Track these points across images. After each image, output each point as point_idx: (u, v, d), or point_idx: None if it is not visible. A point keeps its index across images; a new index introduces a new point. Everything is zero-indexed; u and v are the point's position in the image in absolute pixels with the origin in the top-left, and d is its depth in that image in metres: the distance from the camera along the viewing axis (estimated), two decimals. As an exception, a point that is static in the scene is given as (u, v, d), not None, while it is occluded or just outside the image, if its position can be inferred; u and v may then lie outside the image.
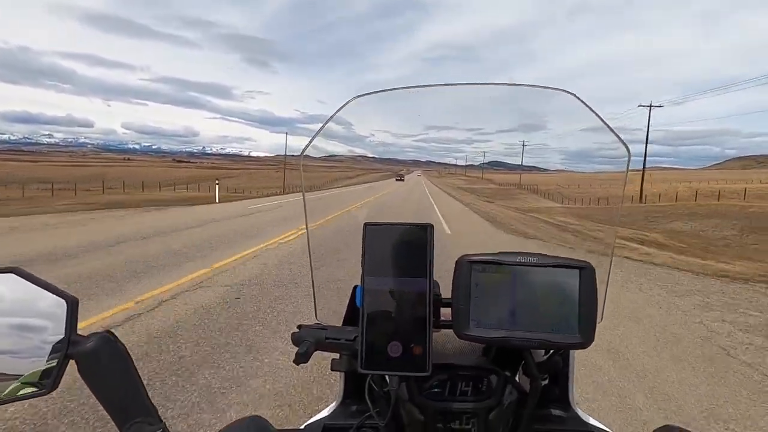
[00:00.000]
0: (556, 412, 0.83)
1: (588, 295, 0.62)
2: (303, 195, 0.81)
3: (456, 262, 0.65)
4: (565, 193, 57.67)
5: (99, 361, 0.49)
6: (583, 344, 0.62)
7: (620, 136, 0.72)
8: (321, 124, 0.79)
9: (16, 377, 0.49)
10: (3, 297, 0.49)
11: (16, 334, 0.49)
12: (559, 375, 0.84)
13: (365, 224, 0.62)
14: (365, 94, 0.79)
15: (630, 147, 0.73)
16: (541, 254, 0.64)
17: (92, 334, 0.50)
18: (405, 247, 0.62)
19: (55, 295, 0.50)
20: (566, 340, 0.62)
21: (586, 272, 0.63)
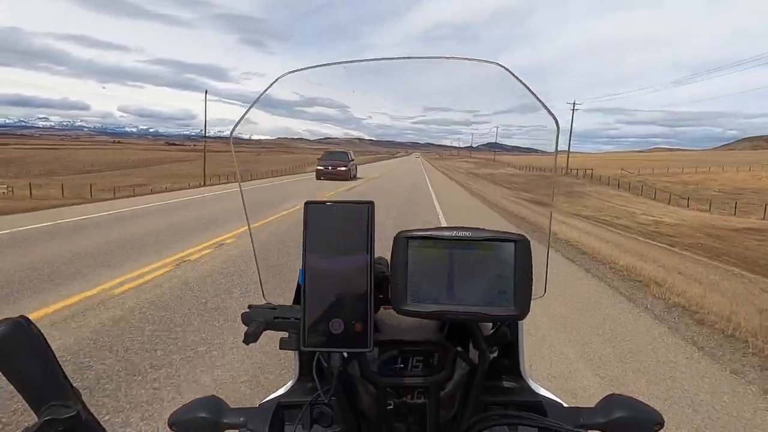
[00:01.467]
0: (508, 383, 0.85)
1: (523, 268, 0.64)
2: (238, 175, 0.91)
3: (394, 238, 0.66)
4: (662, 185, 44.19)
5: (12, 347, 0.49)
6: (519, 316, 0.64)
7: (549, 108, 0.73)
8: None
9: None
10: None
11: None
12: (508, 346, 0.86)
13: (306, 203, 0.63)
14: (295, 70, 0.79)
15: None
16: (477, 228, 0.66)
17: (3, 319, 0.49)
18: (346, 225, 0.63)
19: None
20: (502, 312, 0.64)
21: (521, 245, 0.64)
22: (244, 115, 0.78)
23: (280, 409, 0.78)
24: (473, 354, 0.79)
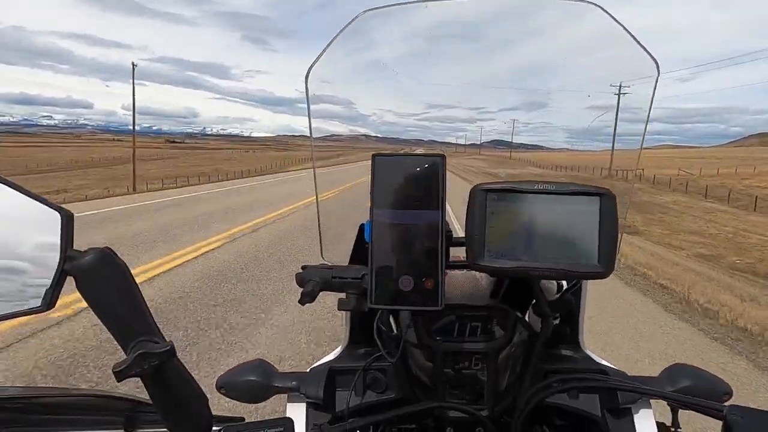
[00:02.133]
0: (566, 351, 0.83)
1: (608, 223, 0.61)
2: (309, 127, 0.78)
3: (470, 191, 0.64)
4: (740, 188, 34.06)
5: (98, 277, 0.47)
6: (604, 273, 0.61)
7: (647, 49, 0.69)
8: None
9: (12, 293, 0.47)
10: None
11: (9, 249, 0.46)
12: (570, 314, 0.84)
13: (374, 155, 0.61)
14: (376, 8, 0.75)
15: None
16: (559, 182, 0.62)
17: (90, 249, 0.48)
18: (416, 179, 0.61)
19: (48, 208, 0.47)
20: (587, 269, 0.61)
21: (607, 199, 0.61)
22: (320, 55, 0.74)
23: (332, 374, 0.77)
24: (532, 320, 0.77)
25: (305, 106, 0.75)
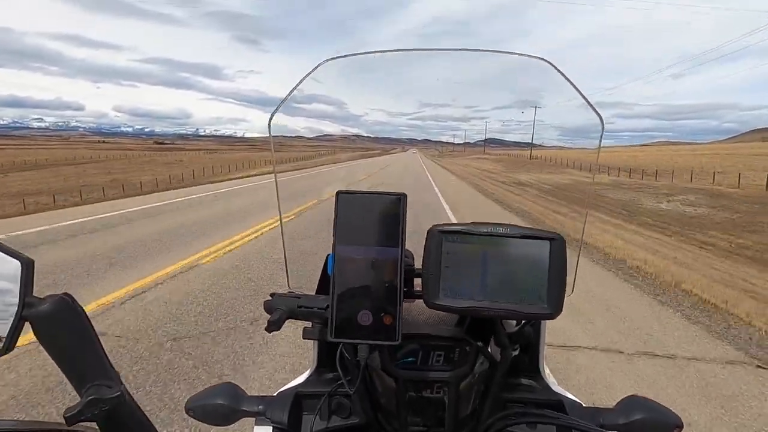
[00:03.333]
0: (527, 381, 0.86)
1: (557, 267, 0.64)
2: (273, 156, 0.84)
3: (428, 231, 0.67)
4: None
5: (56, 324, 0.48)
6: (552, 315, 0.64)
7: (594, 106, 0.73)
8: (294, 100, 0.78)
9: None
10: None
11: None
12: (530, 345, 0.87)
13: (338, 192, 0.63)
14: (335, 57, 0.79)
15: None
16: (512, 225, 0.66)
17: (48, 296, 0.49)
18: (378, 216, 0.63)
19: (8, 256, 0.49)
20: (535, 310, 0.64)
21: (557, 243, 0.64)
22: (282, 103, 0.77)
23: (299, 399, 0.79)
24: (494, 351, 0.79)
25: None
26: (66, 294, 0.51)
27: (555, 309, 0.65)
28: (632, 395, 0.75)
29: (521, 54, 0.79)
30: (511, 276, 0.65)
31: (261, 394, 0.78)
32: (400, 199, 0.64)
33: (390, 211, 0.63)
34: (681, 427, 0.71)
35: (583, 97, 0.74)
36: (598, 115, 0.74)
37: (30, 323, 0.49)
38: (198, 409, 0.74)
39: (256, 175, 27.28)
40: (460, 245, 0.66)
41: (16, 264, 0.49)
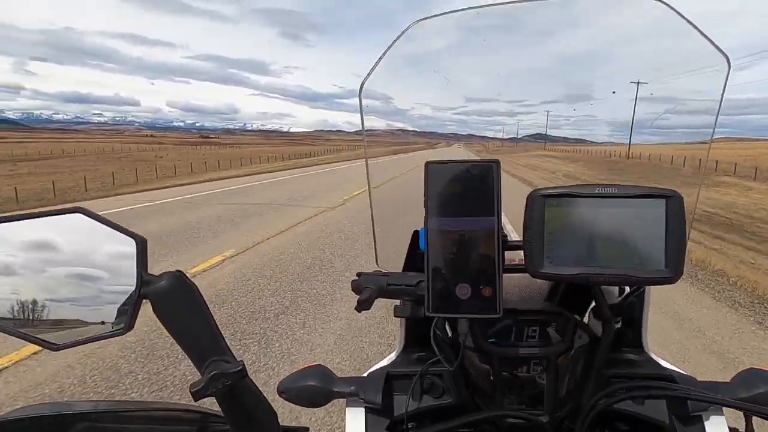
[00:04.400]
0: (629, 355, 0.80)
1: (676, 226, 0.58)
2: (363, 130, 0.81)
3: (527, 197, 0.63)
4: None
5: (172, 300, 0.50)
6: (672, 278, 0.59)
7: (717, 45, 0.66)
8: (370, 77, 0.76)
9: (93, 318, 0.50)
10: (70, 238, 0.50)
11: (89, 276, 0.50)
12: (633, 317, 0.81)
13: (427, 163, 0.61)
14: (425, 18, 0.76)
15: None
16: (621, 185, 0.60)
17: (163, 273, 0.51)
18: (470, 186, 0.60)
19: (124, 235, 0.50)
20: (653, 275, 0.59)
21: (674, 201, 0.59)
22: (374, 68, 0.75)
23: (389, 379, 0.77)
24: (591, 323, 0.75)
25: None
26: (179, 271, 0.52)
27: (676, 272, 0.59)
28: (750, 368, 0.69)
29: None
30: (623, 239, 0.60)
31: (351, 375, 0.77)
32: (492, 165, 0.61)
33: (483, 180, 0.60)
34: None
35: (704, 35, 0.66)
36: (723, 54, 0.66)
37: (149, 300, 0.50)
38: (291, 392, 0.74)
39: (232, 177, 21.64)
40: (563, 209, 0.61)
41: (131, 242, 0.50)
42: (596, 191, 0.60)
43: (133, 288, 0.50)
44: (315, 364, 0.78)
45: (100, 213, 0.50)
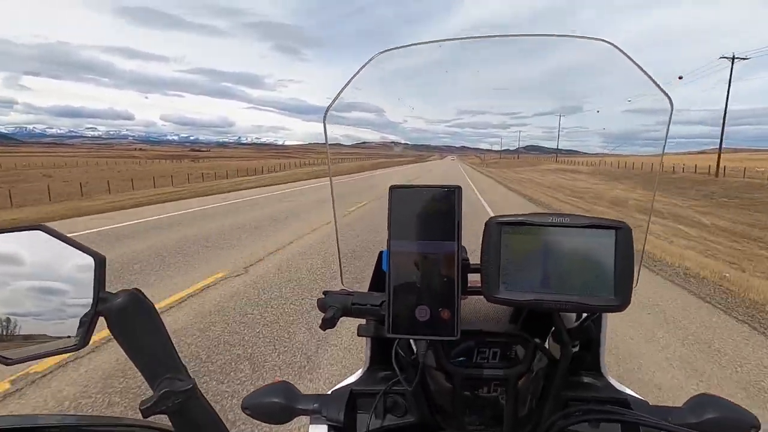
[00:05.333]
0: (587, 379, 0.83)
1: (625, 256, 0.62)
2: (328, 157, 0.83)
3: (485, 223, 0.65)
4: None
5: (128, 318, 0.50)
6: (620, 307, 0.62)
7: (661, 86, 0.70)
8: (346, 103, 0.78)
9: (48, 335, 0.51)
10: (31, 254, 0.50)
11: (46, 293, 0.50)
12: (590, 341, 0.85)
13: (391, 187, 0.63)
14: (389, 49, 0.78)
15: (673, 128, 0.70)
16: (574, 215, 0.64)
17: (120, 291, 0.51)
18: (432, 210, 0.62)
19: (82, 253, 0.51)
20: (602, 302, 0.62)
21: (623, 232, 0.62)
22: (337, 96, 0.77)
23: (353, 397, 0.79)
24: (552, 347, 0.77)
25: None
26: (136, 289, 0.53)
27: (623, 300, 0.62)
28: (702, 393, 0.71)
29: (582, 36, 0.75)
30: (575, 267, 0.63)
31: (315, 393, 0.79)
32: (454, 191, 0.63)
33: (444, 205, 0.62)
34: (758, 427, 0.65)
35: (649, 76, 0.70)
36: (666, 95, 0.70)
37: (104, 318, 0.51)
38: (255, 408, 0.75)
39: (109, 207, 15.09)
40: (519, 236, 0.64)
41: (90, 260, 0.52)
42: (550, 220, 0.63)
43: (90, 305, 0.51)
44: (280, 380, 0.79)
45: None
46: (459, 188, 0.63)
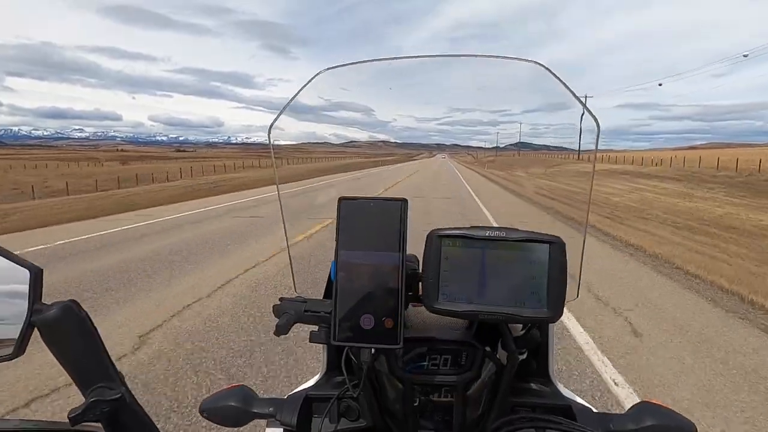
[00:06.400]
0: (535, 385, 0.86)
1: (557, 269, 0.64)
2: (275, 170, 0.85)
3: (427, 236, 0.67)
4: None
5: (62, 329, 0.51)
6: (551, 318, 0.65)
7: (589, 109, 0.74)
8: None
9: None
10: None
11: None
12: (538, 349, 0.88)
13: (340, 198, 0.65)
14: (333, 67, 0.80)
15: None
16: (511, 228, 0.66)
17: (55, 303, 0.52)
18: (379, 222, 0.64)
19: (17, 265, 0.52)
20: (535, 314, 0.64)
21: (556, 247, 0.64)
22: (281, 113, 0.80)
23: (308, 402, 0.81)
24: (502, 354, 0.79)
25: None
26: (72, 300, 0.53)
27: (555, 312, 0.65)
28: (644, 401, 0.74)
29: (513, 58, 0.79)
30: (510, 279, 0.66)
31: (272, 396, 0.80)
32: (401, 204, 0.65)
33: (391, 217, 0.65)
34: None
35: (578, 99, 0.74)
36: (594, 118, 0.74)
37: (38, 329, 0.51)
38: (211, 411, 0.76)
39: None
40: (458, 249, 0.67)
41: (25, 273, 0.52)
42: (487, 234, 0.66)
43: (25, 317, 0.51)
44: (238, 384, 0.81)
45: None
46: (405, 201, 0.65)
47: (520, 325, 0.81)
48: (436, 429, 0.79)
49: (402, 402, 0.77)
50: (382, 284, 0.64)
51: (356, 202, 0.65)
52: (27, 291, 0.51)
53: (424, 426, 0.79)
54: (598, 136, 0.77)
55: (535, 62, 0.77)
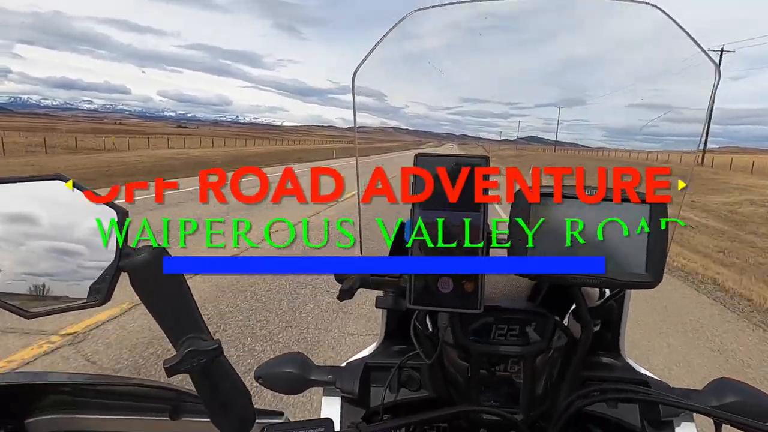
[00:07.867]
0: (606, 359, 0.83)
1: (659, 231, 0.60)
2: (354, 121, 0.79)
3: (515, 193, 0.64)
4: None
5: (151, 274, 0.49)
6: (652, 283, 0.61)
7: (707, 51, 0.67)
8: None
9: (70, 288, 0.50)
10: (50, 206, 0.49)
11: (67, 247, 0.49)
12: (611, 320, 0.84)
13: (417, 155, 0.62)
14: (425, 8, 0.75)
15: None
16: (609, 188, 0.62)
17: (144, 246, 0.50)
18: (458, 180, 0.60)
19: (105, 206, 0.50)
20: (633, 278, 0.61)
21: (657, 208, 0.60)
22: (368, 55, 0.74)
23: (368, 370, 0.79)
24: (571, 325, 0.76)
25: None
26: (160, 245, 0.51)
27: (656, 277, 0.61)
28: (722, 377, 0.71)
29: (628, 0, 0.72)
30: (606, 241, 0.61)
31: (329, 365, 0.78)
32: (482, 160, 0.61)
33: (471, 174, 0.60)
34: None
35: (696, 42, 0.67)
36: (713, 61, 0.66)
37: (127, 274, 0.49)
38: (268, 377, 0.75)
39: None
40: (549, 209, 0.63)
41: (112, 214, 0.50)
42: (583, 192, 0.62)
43: (112, 260, 0.49)
44: (294, 351, 0.79)
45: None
46: (487, 158, 0.61)
47: (595, 296, 0.78)
48: (500, 402, 0.75)
49: (467, 373, 0.74)
50: (461, 246, 0.60)
51: (434, 158, 0.61)
52: (113, 234, 0.49)
53: (487, 398, 0.76)
54: (716, 85, 0.67)
55: (650, 4, 0.69)
